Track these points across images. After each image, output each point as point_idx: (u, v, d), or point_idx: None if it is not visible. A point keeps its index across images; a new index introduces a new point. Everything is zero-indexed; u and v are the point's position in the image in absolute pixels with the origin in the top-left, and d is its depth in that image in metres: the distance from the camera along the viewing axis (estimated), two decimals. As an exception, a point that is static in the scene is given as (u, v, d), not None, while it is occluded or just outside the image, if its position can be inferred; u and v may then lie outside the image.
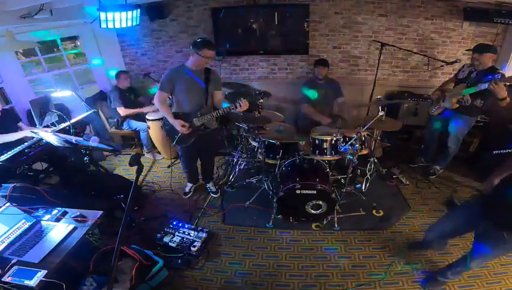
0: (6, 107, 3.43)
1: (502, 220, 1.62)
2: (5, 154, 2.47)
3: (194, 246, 2.46)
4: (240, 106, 2.51)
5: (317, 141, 2.91)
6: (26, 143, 2.65)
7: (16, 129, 2.86)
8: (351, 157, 2.66)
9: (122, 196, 2.81)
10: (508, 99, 2.63)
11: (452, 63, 3.37)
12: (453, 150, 3.24)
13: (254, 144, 3.25)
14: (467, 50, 3.15)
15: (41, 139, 2.71)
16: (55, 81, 4.24)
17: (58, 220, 1.91)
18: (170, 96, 2.69)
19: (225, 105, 2.66)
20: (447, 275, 2.08)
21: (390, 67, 4.11)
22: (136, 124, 3.93)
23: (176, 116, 2.65)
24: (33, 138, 2.71)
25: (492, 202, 1.73)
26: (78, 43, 4.48)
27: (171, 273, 2.32)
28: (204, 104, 2.65)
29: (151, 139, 3.92)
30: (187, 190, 3.30)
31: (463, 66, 3.05)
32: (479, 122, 3.47)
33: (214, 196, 3.26)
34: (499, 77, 2.58)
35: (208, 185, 3.32)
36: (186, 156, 3.06)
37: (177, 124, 2.62)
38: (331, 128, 3.03)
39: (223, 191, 3.32)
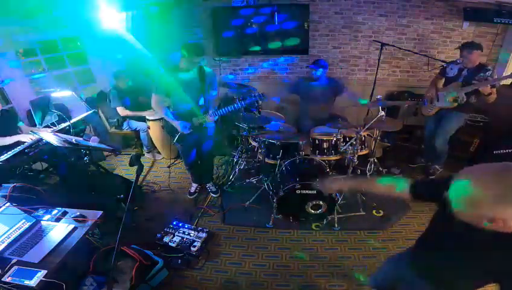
0: (6, 107, 3.42)
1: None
2: (5, 154, 2.47)
3: (194, 246, 2.46)
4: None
5: (317, 141, 2.91)
6: (26, 143, 2.65)
7: (16, 130, 2.86)
8: (351, 157, 2.67)
9: (122, 196, 2.81)
10: (494, 94, 2.70)
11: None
12: (441, 148, 3.23)
13: (254, 144, 3.25)
14: (456, 48, 3.17)
15: (41, 139, 2.71)
16: (55, 81, 4.24)
17: (58, 220, 1.91)
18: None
19: None
20: None
21: (390, 67, 4.11)
22: (136, 124, 3.93)
23: (176, 116, 2.68)
24: (30, 139, 2.70)
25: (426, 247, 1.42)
26: (78, 43, 4.48)
27: (171, 273, 2.32)
28: (202, 104, 2.69)
29: (151, 139, 3.92)
30: (192, 190, 3.30)
31: (449, 63, 3.05)
32: (479, 122, 3.47)
33: (214, 195, 3.26)
34: (490, 74, 2.67)
35: (208, 185, 3.32)
36: (186, 155, 3.07)
37: (180, 126, 2.64)
38: (331, 128, 3.03)
39: (223, 191, 3.32)
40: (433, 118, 3.28)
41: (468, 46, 2.78)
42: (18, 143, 2.64)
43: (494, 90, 2.70)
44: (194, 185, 3.31)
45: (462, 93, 2.84)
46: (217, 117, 2.74)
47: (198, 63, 2.52)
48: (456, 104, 2.94)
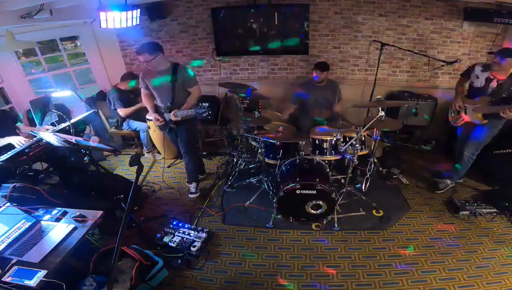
0: (4, 107, 3.42)
1: None
2: (5, 154, 2.47)
3: (194, 246, 2.46)
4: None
5: (317, 141, 2.91)
6: (26, 143, 2.64)
7: (14, 130, 2.86)
8: (351, 157, 2.67)
9: (122, 196, 2.81)
10: None
11: (452, 63, 3.37)
12: (467, 160, 2.97)
13: (254, 144, 3.25)
14: (488, 53, 2.94)
15: (41, 139, 2.71)
16: (55, 81, 4.24)
17: (58, 220, 1.91)
18: None
19: None
20: None
21: (390, 67, 4.11)
22: (136, 124, 3.93)
23: (155, 109, 2.96)
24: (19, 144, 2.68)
25: None
26: (78, 43, 4.48)
27: (171, 273, 2.32)
28: (171, 101, 2.78)
29: (151, 139, 3.92)
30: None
31: (473, 66, 2.76)
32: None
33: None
34: None
35: (190, 186, 3.28)
36: (173, 143, 3.32)
37: (153, 118, 2.92)
38: (331, 128, 3.03)
39: (223, 191, 3.31)
40: (464, 128, 3.04)
41: (502, 52, 2.47)
42: (8, 146, 2.63)
43: None
44: (193, 184, 3.34)
45: (490, 111, 2.61)
46: (179, 114, 2.77)
47: (145, 63, 2.60)
48: (486, 121, 2.72)
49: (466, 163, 3.01)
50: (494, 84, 2.59)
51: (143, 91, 2.94)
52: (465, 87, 2.93)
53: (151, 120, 3.61)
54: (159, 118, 2.87)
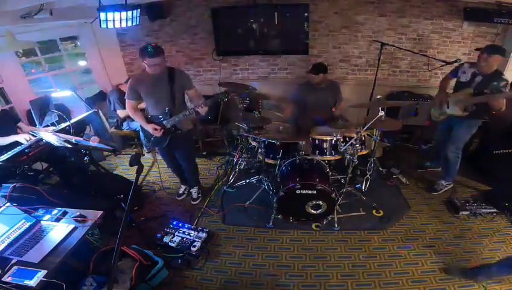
0: (5, 107, 3.42)
1: None
2: (5, 154, 2.47)
3: (194, 246, 2.46)
4: (201, 109, 2.55)
5: (317, 141, 2.91)
6: (23, 145, 2.63)
7: (15, 130, 2.86)
8: (351, 157, 2.67)
9: (122, 196, 2.81)
10: (503, 108, 2.55)
11: (452, 63, 3.35)
12: (453, 159, 3.01)
13: (254, 144, 3.25)
14: (476, 49, 3.01)
15: (41, 139, 2.71)
16: (55, 81, 4.25)
17: (58, 220, 1.91)
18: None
19: None
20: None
21: (390, 67, 4.11)
22: (136, 124, 3.92)
23: (148, 120, 2.67)
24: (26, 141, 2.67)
25: None
26: (78, 43, 4.48)
27: (171, 273, 2.32)
28: (171, 106, 2.59)
29: (151, 139, 3.91)
30: (180, 191, 3.29)
31: (461, 64, 2.88)
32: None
33: (193, 203, 3.18)
34: (504, 85, 2.48)
35: (191, 190, 3.26)
36: (165, 158, 3.09)
37: (150, 128, 2.62)
38: (331, 128, 3.03)
39: (223, 191, 3.31)
40: (445, 124, 3.12)
41: (489, 49, 2.55)
42: (16, 143, 2.63)
43: (504, 102, 2.49)
44: (182, 187, 3.31)
45: (471, 102, 2.68)
46: (177, 119, 2.59)
47: (158, 66, 2.38)
48: (466, 113, 2.77)
49: (453, 162, 3.04)
50: (479, 79, 2.66)
51: (131, 103, 2.63)
52: (449, 84, 3.02)
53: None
54: (157, 127, 2.60)
